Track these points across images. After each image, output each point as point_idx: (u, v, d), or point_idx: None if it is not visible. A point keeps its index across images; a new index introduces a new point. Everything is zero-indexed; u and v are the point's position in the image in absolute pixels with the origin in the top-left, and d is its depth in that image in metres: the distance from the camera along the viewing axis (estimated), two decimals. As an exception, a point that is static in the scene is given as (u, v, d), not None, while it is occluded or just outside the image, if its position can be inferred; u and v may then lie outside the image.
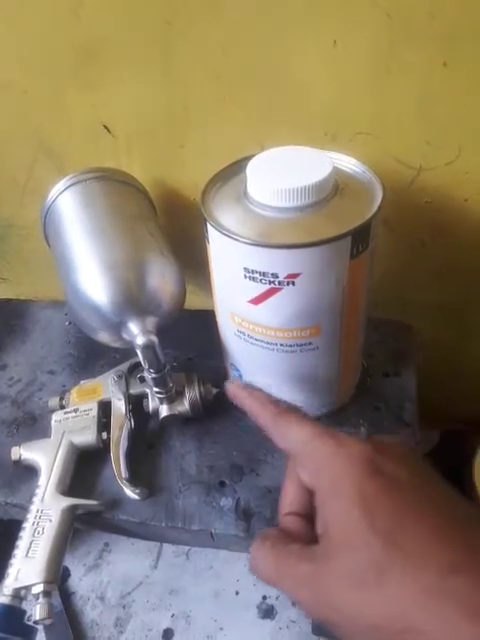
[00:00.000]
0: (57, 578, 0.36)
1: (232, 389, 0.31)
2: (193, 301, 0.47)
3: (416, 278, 0.53)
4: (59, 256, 0.43)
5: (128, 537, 0.46)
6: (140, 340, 0.37)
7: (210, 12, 0.38)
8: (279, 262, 0.32)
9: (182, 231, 0.49)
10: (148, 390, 0.44)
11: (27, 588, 0.35)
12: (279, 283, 0.33)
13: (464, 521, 0.22)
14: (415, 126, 0.41)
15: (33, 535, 0.37)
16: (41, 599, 0.35)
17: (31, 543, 0.37)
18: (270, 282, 0.33)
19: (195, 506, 0.41)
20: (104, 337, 0.41)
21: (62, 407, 0.46)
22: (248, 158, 0.35)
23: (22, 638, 0.34)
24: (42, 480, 0.40)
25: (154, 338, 0.38)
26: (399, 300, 0.54)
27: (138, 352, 0.38)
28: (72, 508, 0.39)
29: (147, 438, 0.45)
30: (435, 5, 0.35)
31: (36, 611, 0.34)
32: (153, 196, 0.49)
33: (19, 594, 0.35)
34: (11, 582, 0.35)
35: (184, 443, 0.45)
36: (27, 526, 0.38)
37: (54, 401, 0.47)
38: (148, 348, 0.38)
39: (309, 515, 0.26)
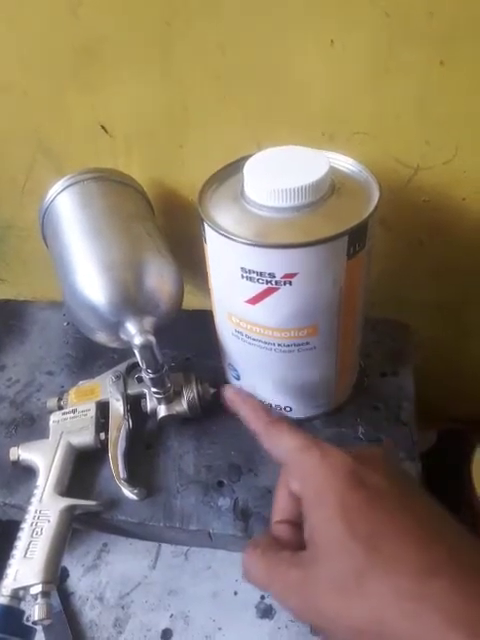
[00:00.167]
0: (56, 578, 0.36)
1: (229, 395, 0.32)
2: (191, 301, 0.47)
3: (414, 277, 0.53)
4: (57, 256, 0.43)
5: (126, 537, 0.46)
6: (138, 340, 0.37)
7: (209, 12, 0.38)
8: (276, 262, 0.32)
9: (180, 231, 0.49)
10: (146, 390, 0.44)
11: (26, 588, 0.35)
12: (276, 283, 0.33)
13: (443, 528, 0.23)
14: (414, 125, 0.41)
15: (31, 536, 0.37)
16: (40, 599, 0.35)
17: (29, 544, 0.37)
18: (267, 282, 0.33)
19: (193, 506, 0.41)
20: (102, 337, 0.41)
21: (60, 408, 0.46)
22: (245, 158, 0.35)
23: (21, 638, 0.34)
24: (40, 481, 0.41)
25: (152, 338, 0.38)
26: (396, 299, 0.54)
27: (136, 352, 0.38)
28: (70, 508, 0.39)
29: (145, 438, 0.45)
30: (434, 4, 0.35)
31: (35, 611, 0.34)
32: (151, 196, 0.49)
33: (18, 595, 0.35)
34: (10, 583, 0.35)
35: (182, 443, 0.45)
36: (25, 527, 0.38)
37: (52, 402, 0.47)
38: (146, 348, 0.38)
39: (300, 523, 0.27)
